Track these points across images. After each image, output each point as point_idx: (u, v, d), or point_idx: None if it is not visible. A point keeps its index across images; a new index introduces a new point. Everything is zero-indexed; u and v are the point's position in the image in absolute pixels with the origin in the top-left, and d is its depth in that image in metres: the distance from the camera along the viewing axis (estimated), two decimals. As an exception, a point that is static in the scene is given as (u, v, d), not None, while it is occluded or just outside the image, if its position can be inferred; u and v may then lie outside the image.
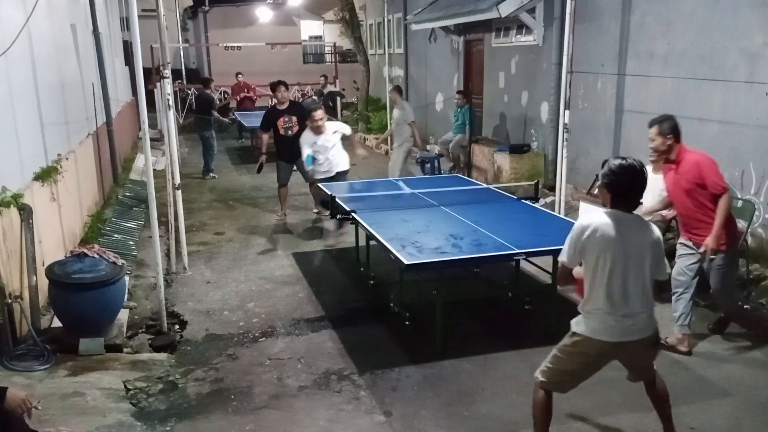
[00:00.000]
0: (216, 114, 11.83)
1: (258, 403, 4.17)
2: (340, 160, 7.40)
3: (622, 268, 3.14)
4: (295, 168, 8.42)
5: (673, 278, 4.71)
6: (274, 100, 8.86)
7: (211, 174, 11.76)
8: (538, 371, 3.43)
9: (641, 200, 3.31)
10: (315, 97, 17.00)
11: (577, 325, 3.30)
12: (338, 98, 18.44)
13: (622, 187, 3.19)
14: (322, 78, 18.12)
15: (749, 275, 5.85)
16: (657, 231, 3.27)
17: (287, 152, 8.22)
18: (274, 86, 8.59)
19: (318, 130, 7.24)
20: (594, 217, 3.21)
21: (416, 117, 15.55)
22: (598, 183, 3.34)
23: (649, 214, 5.32)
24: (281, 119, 8.24)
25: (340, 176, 7.45)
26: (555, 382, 3.38)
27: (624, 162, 3.20)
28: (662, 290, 5.91)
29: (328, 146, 7.30)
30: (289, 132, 8.21)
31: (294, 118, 8.29)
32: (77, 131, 7.85)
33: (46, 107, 6.24)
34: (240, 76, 17.24)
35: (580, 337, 3.26)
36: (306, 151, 7.23)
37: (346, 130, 7.57)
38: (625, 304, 3.17)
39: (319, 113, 7.26)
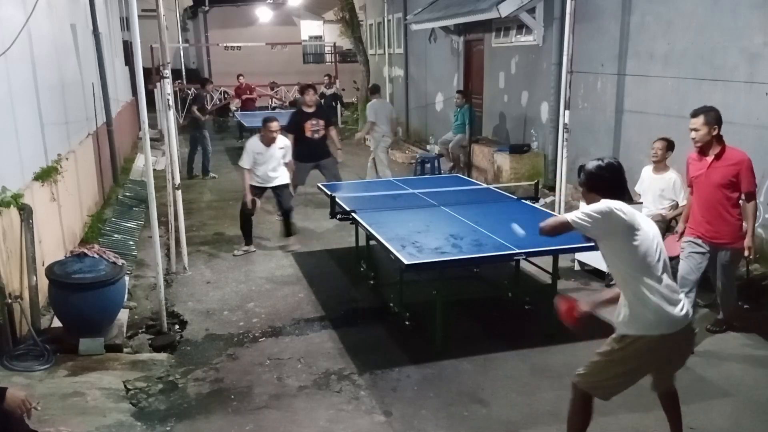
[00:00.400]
0: (194, 109, 11.70)
1: (258, 403, 4.17)
2: (281, 174, 7.41)
3: (658, 247, 3.09)
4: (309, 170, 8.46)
5: (682, 277, 4.71)
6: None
7: (211, 174, 11.80)
8: (576, 375, 3.31)
9: (640, 200, 3.33)
10: None
11: (626, 326, 3.15)
12: (339, 100, 18.42)
13: (612, 184, 3.18)
14: (326, 78, 18.05)
15: (749, 275, 5.85)
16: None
17: (310, 154, 8.29)
18: (303, 89, 8.61)
19: (270, 141, 7.25)
20: (618, 204, 3.09)
21: (417, 117, 15.40)
22: (582, 190, 3.30)
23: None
24: (309, 122, 8.26)
25: (282, 189, 7.43)
26: (598, 387, 3.26)
27: (602, 162, 3.23)
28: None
29: (274, 159, 7.29)
30: (316, 135, 8.27)
31: (321, 122, 8.34)
32: (77, 131, 7.85)
33: (46, 107, 6.24)
34: (242, 77, 17.22)
35: (631, 338, 3.12)
36: (248, 159, 7.20)
37: (290, 153, 7.59)
38: (672, 288, 3.11)
39: (275, 125, 7.26)
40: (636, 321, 3.11)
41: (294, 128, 8.32)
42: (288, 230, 7.66)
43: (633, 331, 3.12)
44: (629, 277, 3.12)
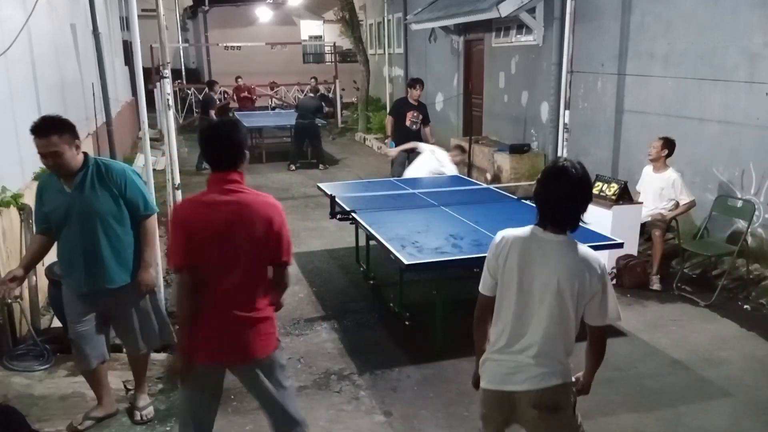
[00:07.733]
0: (212, 114, 12.23)
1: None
2: None
3: (526, 298, 2.43)
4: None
5: None
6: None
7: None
8: None
9: (583, 221, 2.44)
10: (312, 95, 16.85)
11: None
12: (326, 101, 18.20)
13: (541, 198, 2.45)
14: (313, 80, 17.46)
15: (749, 275, 5.85)
16: (599, 262, 2.42)
17: (405, 142, 8.58)
18: (413, 83, 8.92)
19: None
20: (511, 231, 2.57)
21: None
22: None
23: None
24: (411, 112, 8.75)
25: None
26: None
27: (553, 166, 2.46)
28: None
29: None
30: (414, 126, 8.73)
31: (421, 116, 8.79)
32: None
33: (46, 107, 6.23)
34: (240, 79, 17.07)
35: (480, 390, 2.64)
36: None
37: None
38: (513, 343, 2.46)
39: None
40: (481, 371, 2.64)
41: (395, 112, 8.88)
42: None
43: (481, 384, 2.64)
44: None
